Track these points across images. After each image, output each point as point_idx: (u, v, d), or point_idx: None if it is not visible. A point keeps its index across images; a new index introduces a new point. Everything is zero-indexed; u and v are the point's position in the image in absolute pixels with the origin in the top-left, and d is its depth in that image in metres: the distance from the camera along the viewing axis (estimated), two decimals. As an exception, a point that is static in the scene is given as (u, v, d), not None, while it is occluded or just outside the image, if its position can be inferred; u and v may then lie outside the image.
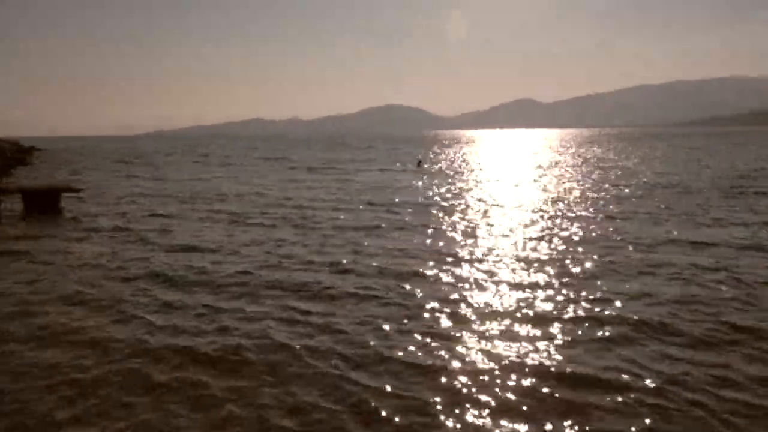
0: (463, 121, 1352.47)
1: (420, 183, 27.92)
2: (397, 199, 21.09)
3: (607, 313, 7.97)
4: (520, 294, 8.83)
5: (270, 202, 20.70)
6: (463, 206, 19.19)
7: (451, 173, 34.70)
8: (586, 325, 7.58)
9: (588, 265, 10.53)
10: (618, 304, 8.34)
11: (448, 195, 22.61)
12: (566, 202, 19.65)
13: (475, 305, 8.34)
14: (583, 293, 8.78)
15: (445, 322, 7.72)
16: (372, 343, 7.03)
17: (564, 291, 8.94)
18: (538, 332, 7.34)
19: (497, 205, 19.25)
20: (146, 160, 55.46)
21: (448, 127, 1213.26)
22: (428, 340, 7.11)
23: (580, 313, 7.99)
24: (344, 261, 10.99)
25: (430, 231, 14.45)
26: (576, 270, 10.18)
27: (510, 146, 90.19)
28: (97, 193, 24.68)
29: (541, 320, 7.73)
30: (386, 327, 7.55)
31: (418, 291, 9.05)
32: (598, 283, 9.36)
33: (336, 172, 35.45)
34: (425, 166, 43.18)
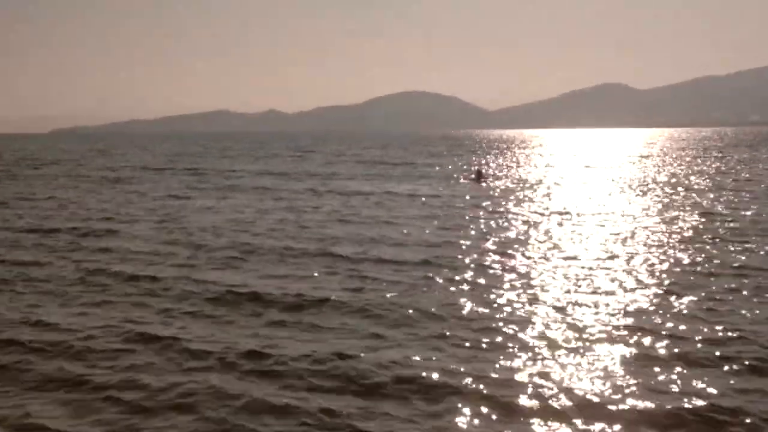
0: (513, 116, 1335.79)
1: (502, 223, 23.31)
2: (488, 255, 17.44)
3: None
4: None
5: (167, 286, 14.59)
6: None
7: (542, 196, 32.01)
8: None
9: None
10: None
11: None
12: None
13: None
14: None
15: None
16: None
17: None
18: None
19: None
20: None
21: (493, 124, 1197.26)
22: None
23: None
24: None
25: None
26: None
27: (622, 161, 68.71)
28: None
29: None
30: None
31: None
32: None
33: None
34: (485, 179, 42.31)
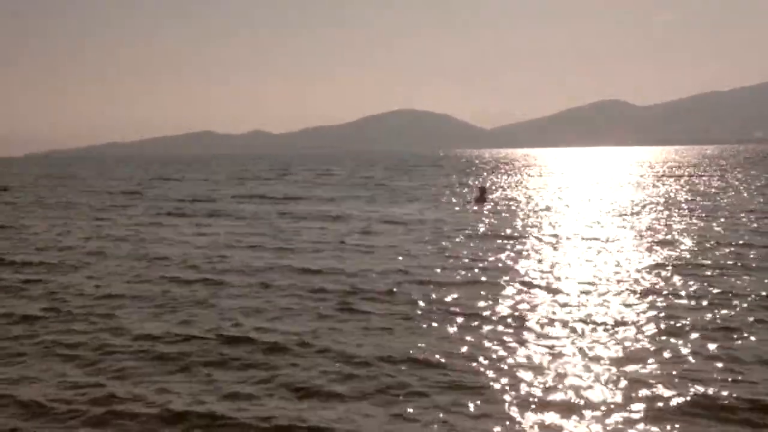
0: (508, 135, 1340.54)
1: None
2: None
3: None
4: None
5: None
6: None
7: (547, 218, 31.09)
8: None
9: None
10: None
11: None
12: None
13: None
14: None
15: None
16: None
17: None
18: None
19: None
20: None
21: (488, 143, 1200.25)
22: None
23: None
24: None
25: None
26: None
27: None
28: None
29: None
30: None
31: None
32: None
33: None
34: (489, 198, 41.73)
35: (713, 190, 47.74)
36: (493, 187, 54.35)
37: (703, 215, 30.42)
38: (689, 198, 40.86)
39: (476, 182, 56.38)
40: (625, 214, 31.67)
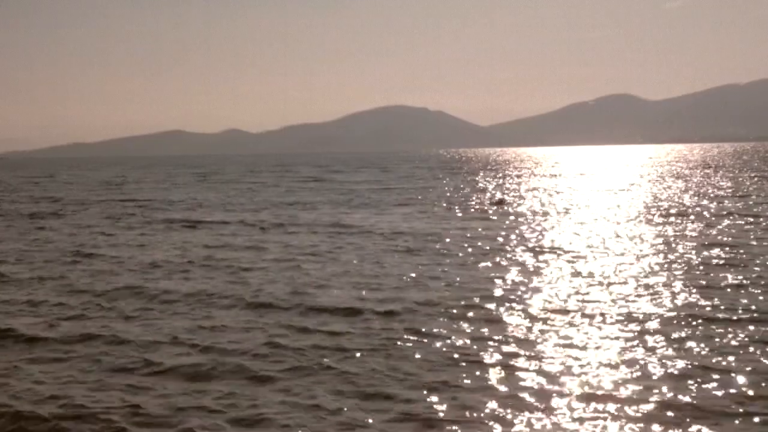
0: (507, 132, 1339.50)
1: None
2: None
3: None
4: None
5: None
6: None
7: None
8: None
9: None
10: None
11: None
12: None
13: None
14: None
15: None
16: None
17: None
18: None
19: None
20: None
21: (485, 141, 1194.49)
22: None
23: None
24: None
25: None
26: None
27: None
28: None
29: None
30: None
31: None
32: None
33: None
34: (505, 202, 45.16)
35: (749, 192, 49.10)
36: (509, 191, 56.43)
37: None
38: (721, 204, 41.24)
39: (493, 192, 57.04)
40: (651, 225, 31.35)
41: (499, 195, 51.52)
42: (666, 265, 20.74)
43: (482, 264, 21.87)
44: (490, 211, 39.20)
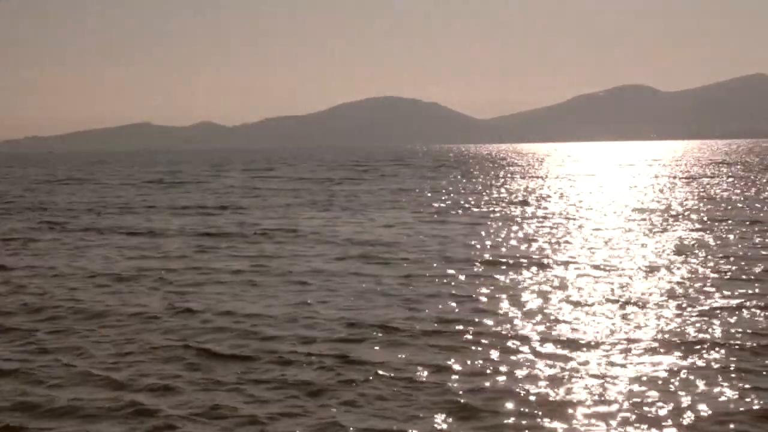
0: (508, 126, 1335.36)
1: None
2: None
3: None
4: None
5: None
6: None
7: None
8: None
9: None
10: None
11: None
12: None
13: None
14: None
15: None
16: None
17: None
18: None
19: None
20: None
21: (483, 136, 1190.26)
22: None
23: None
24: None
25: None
26: None
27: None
28: None
29: None
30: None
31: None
32: None
33: None
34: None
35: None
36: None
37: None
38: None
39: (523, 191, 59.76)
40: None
41: (522, 195, 53.68)
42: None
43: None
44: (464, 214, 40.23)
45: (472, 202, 48.41)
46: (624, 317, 16.42)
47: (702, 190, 56.50)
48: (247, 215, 41.68)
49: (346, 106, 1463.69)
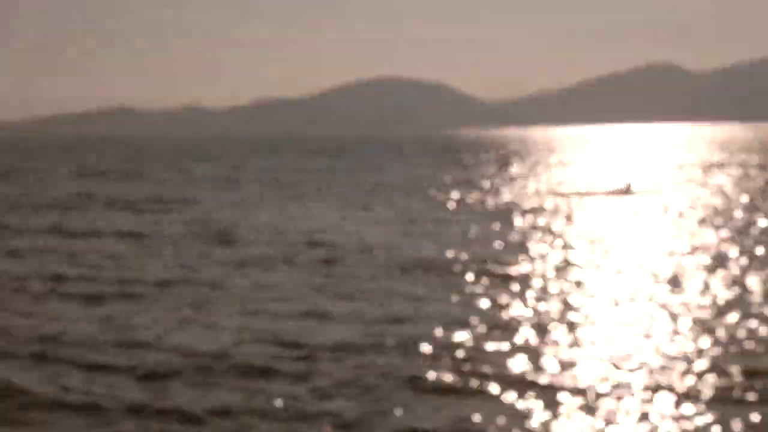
0: (520, 109, 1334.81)
1: None
2: None
3: None
4: None
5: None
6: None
7: None
8: None
9: None
10: None
11: None
12: None
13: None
14: None
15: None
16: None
17: None
18: None
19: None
20: None
21: (493, 119, 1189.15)
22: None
23: None
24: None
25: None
26: None
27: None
28: None
29: None
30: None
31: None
32: None
33: None
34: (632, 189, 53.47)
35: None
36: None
37: None
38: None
39: (624, 182, 60.58)
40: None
41: (626, 182, 56.68)
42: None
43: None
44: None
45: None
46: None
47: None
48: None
49: (343, 89, 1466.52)
